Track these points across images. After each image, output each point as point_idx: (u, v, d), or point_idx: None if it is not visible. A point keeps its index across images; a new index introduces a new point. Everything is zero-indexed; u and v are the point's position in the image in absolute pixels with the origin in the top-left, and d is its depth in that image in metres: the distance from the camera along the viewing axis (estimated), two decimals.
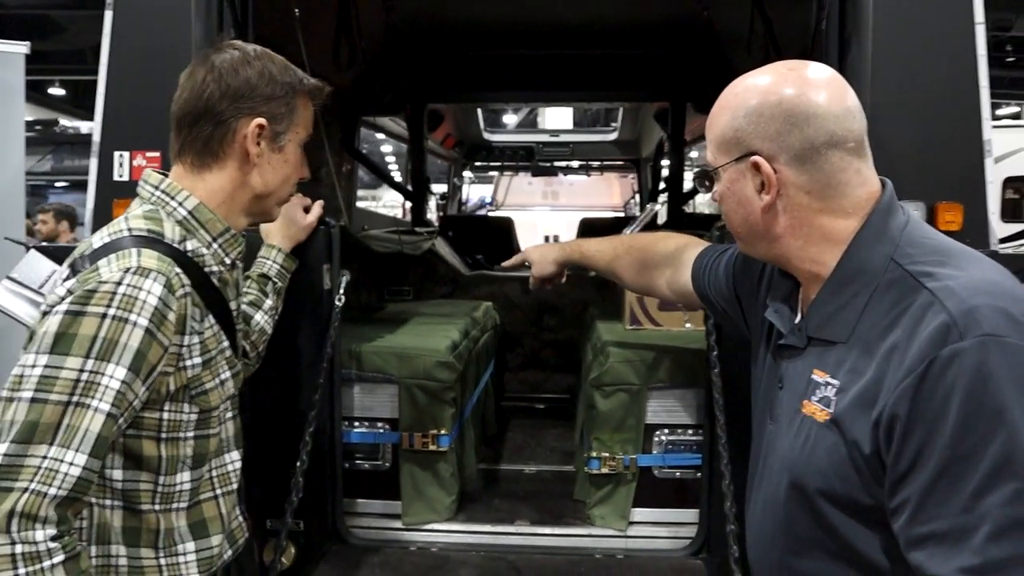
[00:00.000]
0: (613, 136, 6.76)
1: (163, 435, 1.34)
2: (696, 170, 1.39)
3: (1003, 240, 2.57)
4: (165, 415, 1.34)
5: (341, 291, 2.33)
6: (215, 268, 1.44)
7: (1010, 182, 8.27)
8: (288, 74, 1.47)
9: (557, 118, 9.15)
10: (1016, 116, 14.87)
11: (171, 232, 1.38)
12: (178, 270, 1.31)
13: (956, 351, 1.00)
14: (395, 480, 2.53)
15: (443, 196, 6.70)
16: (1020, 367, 0.99)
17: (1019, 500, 0.96)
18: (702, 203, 6.74)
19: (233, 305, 1.51)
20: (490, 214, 9.30)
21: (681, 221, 5.17)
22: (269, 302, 1.94)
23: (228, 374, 1.45)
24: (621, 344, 2.58)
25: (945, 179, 2.30)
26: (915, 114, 2.26)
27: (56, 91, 15.17)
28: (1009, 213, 7.92)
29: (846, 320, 1.18)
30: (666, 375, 2.46)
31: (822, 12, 2.28)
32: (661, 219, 5.23)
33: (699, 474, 2.39)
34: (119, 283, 1.24)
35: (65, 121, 13.68)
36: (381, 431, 2.52)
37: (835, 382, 1.16)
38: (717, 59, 4.11)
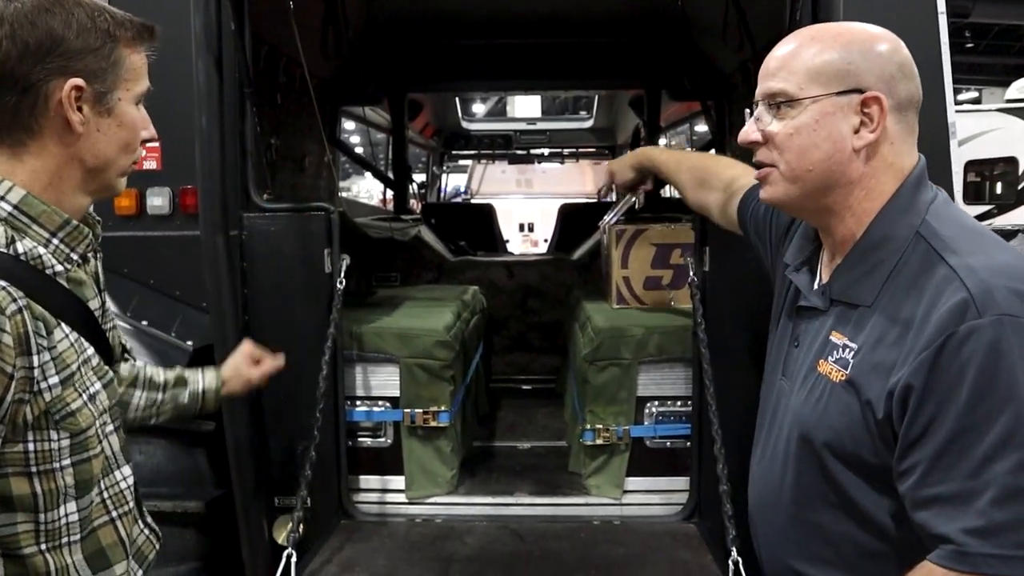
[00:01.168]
0: (589, 124, 6.87)
1: (33, 469, 1.12)
2: (762, 101, 1.29)
3: None
4: (30, 446, 1.12)
5: (342, 274, 2.41)
6: (59, 268, 1.18)
7: (971, 165, 8.54)
8: (102, 19, 1.17)
9: (526, 106, 9.20)
10: (976, 101, 15.26)
11: None
12: (4, 283, 1.07)
13: (973, 328, 1.05)
14: (397, 456, 2.62)
15: (422, 185, 6.76)
16: None
17: (1021, 469, 1.03)
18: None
19: (95, 303, 1.26)
20: (471, 201, 9.36)
21: (658, 206, 5.30)
22: (160, 397, 1.61)
23: (98, 386, 1.22)
24: (611, 321, 2.69)
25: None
26: None
27: None
28: (971, 195, 8.20)
29: (872, 285, 1.21)
30: (655, 349, 2.58)
31: (796, 2, 2.39)
32: (638, 205, 5.34)
33: (688, 443, 2.52)
34: None
35: None
36: (383, 409, 2.61)
37: (853, 345, 1.21)
38: (691, 48, 4.23)
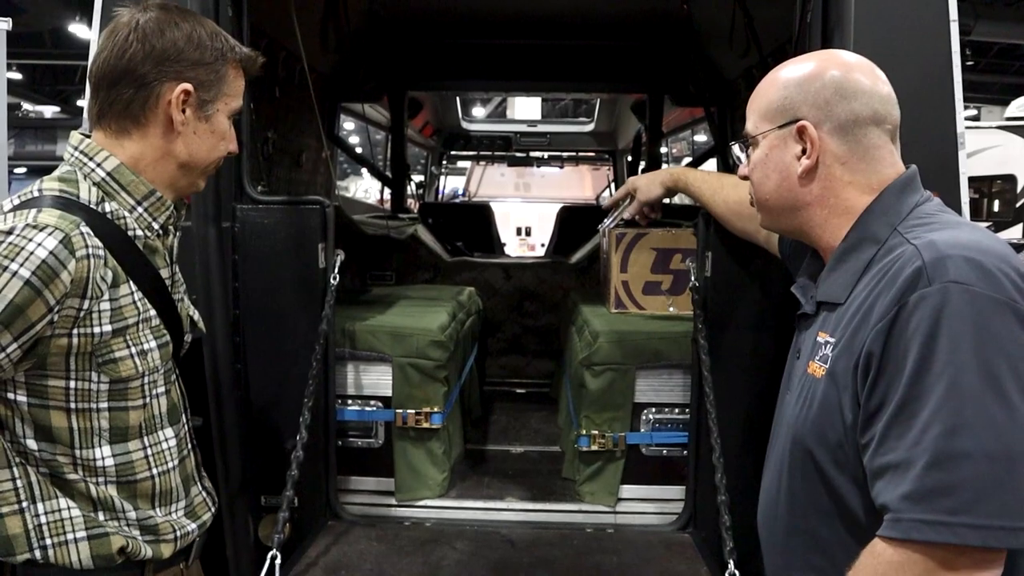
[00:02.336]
0: (590, 127, 6.83)
1: (72, 405, 1.28)
2: (732, 143, 1.47)
3: None
4: (71, 383, 1.27)
5: (336, 270, 2.36)
6: (140, 233, 1.36)
7: (971, 181, 8.56)
8: (219, 40, 1.39)
9: (526, 108, 9.18)
10: (975, 118, 15.32)
11: (87, 193, 1.31)
12: (85, 230, 1.23)
13: (923, 296, 1.09)
14: (388, 457, 2.57)
15: (420, 185, 6.72)
16: (979, 314, 1.06)
17: (954, 434, 1.04)
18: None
19: (165, 273, 1.43)
20: (469, 200, 9.33)
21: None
22: None
23: (152, 344, 1.35)
24: (609, 326, 2.65)
25: (921, 169, 2.40)
26: None
27: (13, 75, 14.84)
28: (971, 212, 8.21)
29: (845, 283, 1.27)
30: (653, 356, 2.54)
31: (807, 5, 2.36)
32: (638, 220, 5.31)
33: (685, 452, 2.47)
34: (8, 232, 1.18)
35: (27, 105, 13.34)
36: (375, 409, 2.56)
37: (832, 339, 1.25)
38: (696, 53, 4.20)
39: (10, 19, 3.24)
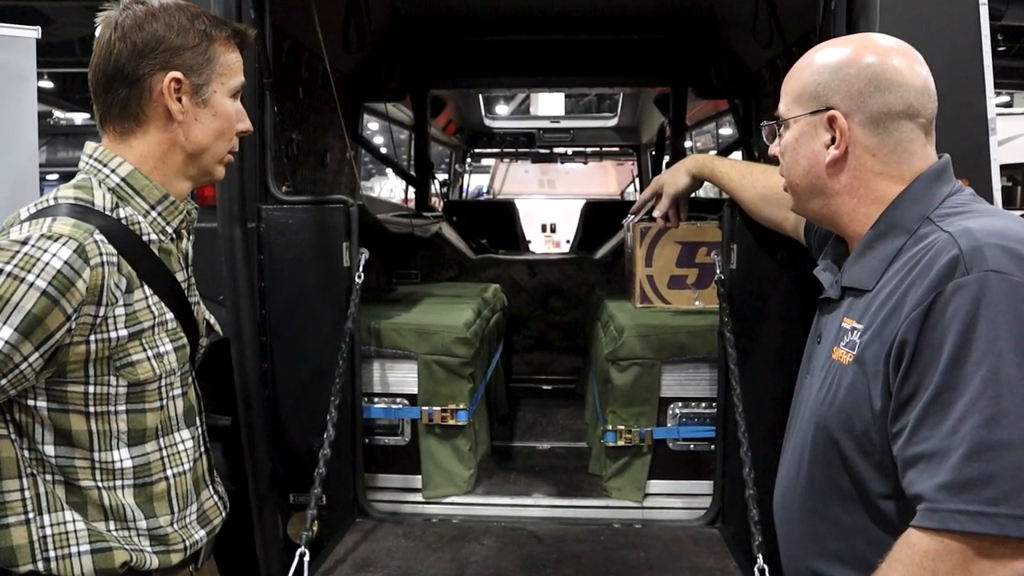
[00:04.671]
0: (613, 122, 6.80)
1: (91, 409, 1.28)
2: (765, 123, 1.44)
3: None
4: (90, 388, 1.27)
5: (360, 269, 2.37)
6: (154, 237, 1.37)
7: (1003, 169, 8.38)
8: (201, 21, 1.36)
9: (549, 104, 9.15)
10: (1008, 104, 14.99)
11: (102, 200, 1.31)
12: (99, 237, 1.23)
13: (960, 284, 1.07)
14: (414, 455, 2.58)
15: (444, 183, 6.73)
16: (1018, 303, 1.05)
17: (993, 424, 1.03)
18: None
19: (181, 276, 1.43)
20: (493, 198, 9.33)
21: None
22: None
23: (168, 347, 1.36)
24: (634, 320, 2.63)
25: (951, 155, 2.36)
26: None
27: (44, 84, 15.09)
28: (1003, 200, 8.03)
29: (874, 269, 1.25)
30: (679, 350, 2.52)
31: None
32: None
33: (712, 446, 2.45)
34: (24, 243, 1.19)
35: (58, 113, 13.57)
36: (400, 406, 2.57)
37: (860, 327, 1.23)
38: (719, 44, 4.15)
39: (39, 27, 3.30)
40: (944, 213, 1.21)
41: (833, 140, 1.29)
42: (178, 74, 1.33)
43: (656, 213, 2.34)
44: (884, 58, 1.26)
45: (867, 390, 1.19)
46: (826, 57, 1.31)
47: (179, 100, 1.34)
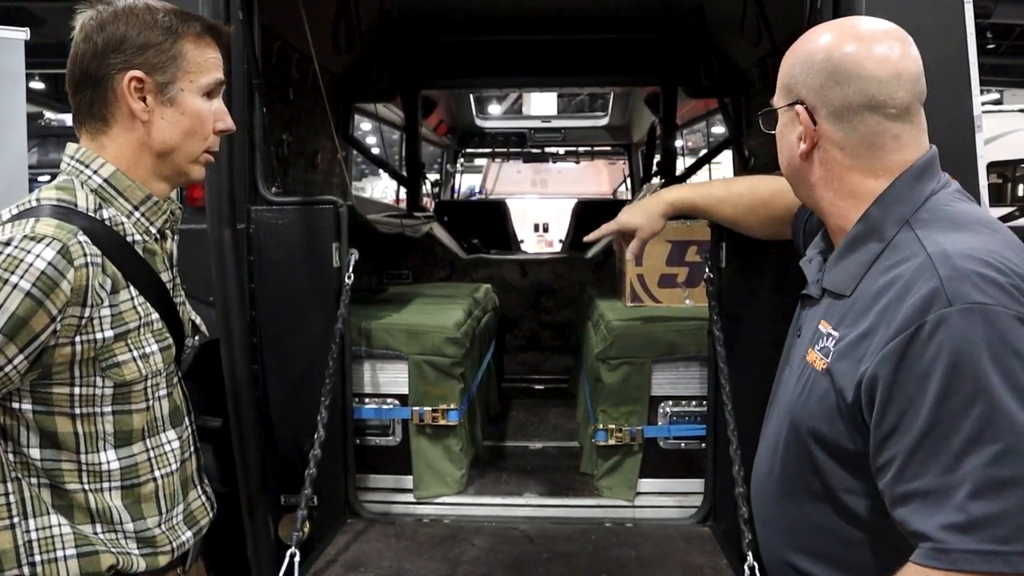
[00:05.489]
0: (604, 121, 6.81)
1: (77, 411, 1.28)
2: (762, 111, 1.41)
3: None
4: (76, 389, 1.27)
5: (350, 269, 2.37)
6: (138, 237, 1.36)
7: (993, 166, 8.42)
8: (168, 18, 1.33)
9: (542, 104, 9.16)
10: (997, 102, 15.07)
11: (84, 201, 1.30)
12: (83, 238, 1.22)
13: (942, 318, 1.04)
14: (405, 455, 2.58)
15: (435, 183, 6.73)
16: (1003, 335, 1.02)
17: (999, 461, 1.00)
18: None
19: (166, 277, 1.42)
20: (485, 199, 9.33)
21: None
22: None
23: (154, 347, 1.35)
24: (624, 319, 2.64)
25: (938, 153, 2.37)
26: None
27: (36, 85, 15.02)
28: (993, 198, 8.06)
29: (852, 275, 1.23)
30: (669, 348, 2.52)
31: None
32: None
33: (703, 444, 2.46)
34: (7, 244, 1.18)
35: (50, 114, 13.51)
36: (391, 407, 2.57)
37: (835, 334, 1.21)
38: (708, 43, 4.16)
39: (28, 29, 3.29)
40: (925, 218, 1.18)
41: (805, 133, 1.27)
42: (139, 73, 1.30)
43: (629, 256, 2.24)
44: (846, 48, 1.22)
45: (836, 405, 1.17)
46: (800, 47, 1.29)
47: (143, 100, 1.32)
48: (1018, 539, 1.00)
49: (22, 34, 3.25)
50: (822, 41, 1.25)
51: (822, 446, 1.21)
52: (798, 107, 1.26)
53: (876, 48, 1.21)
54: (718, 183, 2.17)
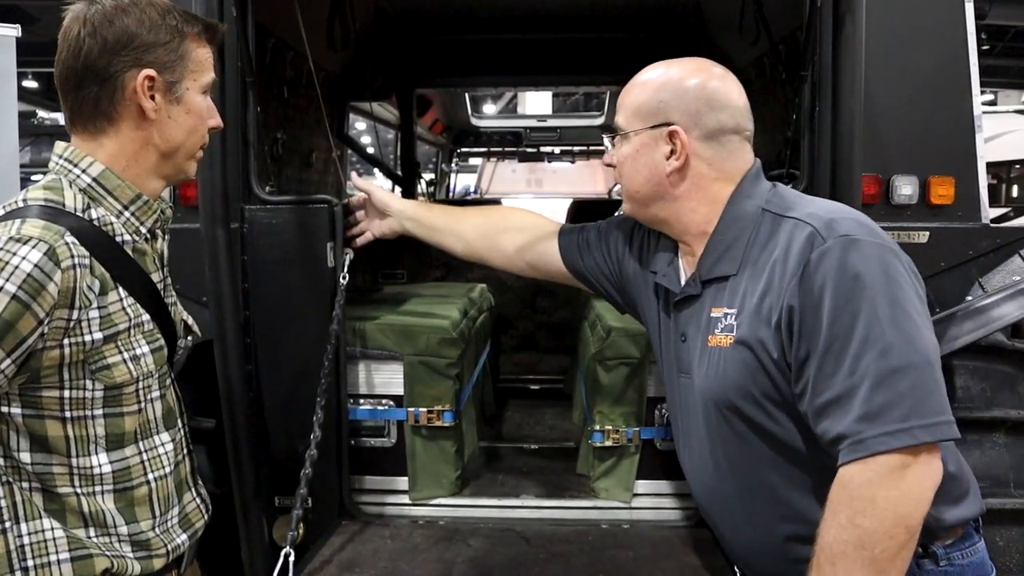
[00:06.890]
0: (600, 120, 6.80)
1: (67, 414, 1.26)
2: (605, 135, 1.61)
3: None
4: (66, 392, 1.25)
5: (345, 269, 2.35)
6: (128, 237, 1.34)
7: (988, 168, 8.45)
8: (172, 17, 1.33)
9: (537, 104, 9.15)
10: (991, 103, 15.12)
11: (72, 201, 1.28)
12: (71, 239, 1.21)
13: (823, 251, 1.26)
14: (401, 456, 2.56)
15: (431, 183, 6.71)
16: (872, 258, 1.25)
17: (886, 354, 1.20)
18: None
19: (156, 277, 1.41)
20: (480, 198, 9.30)
21: None
22: None
23: (145, 349, 1.33)
24: (621, 320, 2.62)
25: (937, 153, 2.37)
26: (908, 89, 2.33)
27: (29, 83, 14.93)
28: (988, 198, 8.10)
29: (734, 256, 1.42)
30: None
31: None
32: None
33: None
34: None
35: (43, 113, 13.45)
36: (386, 408, 2.55)
37: (733, 310, 1.38)
38: (705, 42, 4.15)
39: (19, 26, 3.26)
40: (778, 204, 1.40)
41: (673, 152, 1.45)
42: (152, 72, 1.30)
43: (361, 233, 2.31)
44: (716, 82, 1.46)
45: (759, 363, 1.32)
46: (666, 77, 1.49)
47: (152, 98, 1.32)
48: (916, 414, 1.19)
49: (13, 31, 3.23)
50: (694, 74, 1.47)
51: (757, 405, 1.35)
52: (675, 127, 1.44)
53: (733, 85, 1.49)
54: (459, 208, 2.39)
